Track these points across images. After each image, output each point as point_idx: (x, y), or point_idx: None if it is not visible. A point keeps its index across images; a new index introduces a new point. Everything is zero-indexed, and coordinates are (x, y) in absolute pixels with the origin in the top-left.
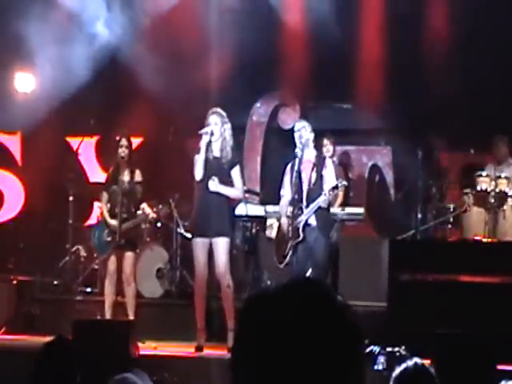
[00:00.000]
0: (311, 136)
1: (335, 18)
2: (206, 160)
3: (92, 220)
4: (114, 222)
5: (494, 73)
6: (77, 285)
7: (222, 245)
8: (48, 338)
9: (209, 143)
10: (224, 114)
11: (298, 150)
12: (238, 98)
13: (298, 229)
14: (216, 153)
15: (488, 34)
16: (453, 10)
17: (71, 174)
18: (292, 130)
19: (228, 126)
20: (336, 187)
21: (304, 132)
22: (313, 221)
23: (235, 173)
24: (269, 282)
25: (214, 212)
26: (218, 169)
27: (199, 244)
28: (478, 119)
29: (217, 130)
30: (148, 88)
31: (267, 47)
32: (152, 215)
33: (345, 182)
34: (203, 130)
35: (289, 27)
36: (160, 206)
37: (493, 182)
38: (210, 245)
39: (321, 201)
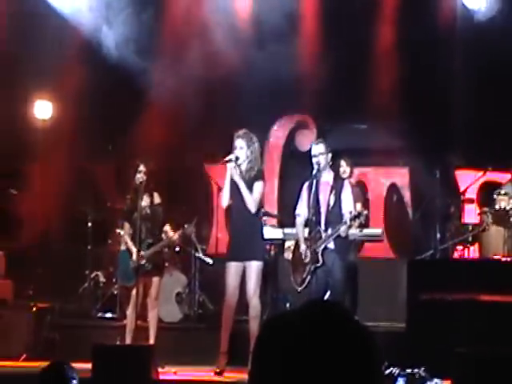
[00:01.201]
0: (329, 158)
1: (350, 38)
2: (232, 183)
3: (112, 246)
4: (138, 250)
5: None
6: (96, 310)
7: (254, 268)
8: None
9: (234, 168)
10: (251, 135)
11: (315, 172)
12: (255, 121)
13: (318, 253)
14: (242, 172)
15: (500, 50)
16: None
17: (90, 200)
18: (309, 152)
19: (255, 146)
20: (358, 216)
21: (321, 157)
22: (331, 244)
23: (257, 186)
24: (288, 305)
25: (247, 235)
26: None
27: (233, 268)
28: (495, 136)
29: (242, 154)
30: (166, 113)
31: (283, 70)
32: (175, 237)
33: (366, 212)
34: (227, 158)
35: (304, 49)
36: (186, 226)
37: (511, 201)
38: (243, 268)
39: (341, 230)
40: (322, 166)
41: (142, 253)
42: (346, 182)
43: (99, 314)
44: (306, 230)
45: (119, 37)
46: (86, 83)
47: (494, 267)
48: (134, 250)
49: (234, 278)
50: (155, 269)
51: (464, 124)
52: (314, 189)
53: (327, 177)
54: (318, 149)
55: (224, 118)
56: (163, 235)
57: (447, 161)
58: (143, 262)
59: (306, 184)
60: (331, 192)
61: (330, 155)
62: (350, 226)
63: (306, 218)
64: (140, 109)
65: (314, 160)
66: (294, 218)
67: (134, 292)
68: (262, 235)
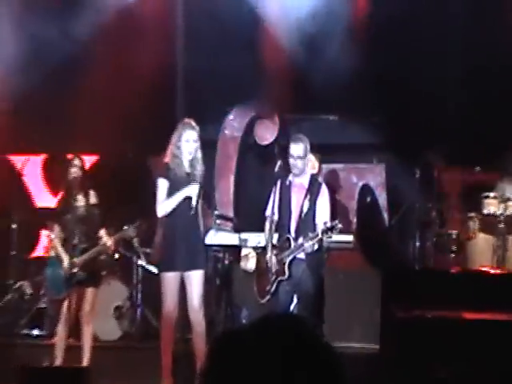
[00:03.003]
0: (307, 161)
1: (320, 17)
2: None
3: (39, 252)
4: (73, 255)
5: (501, 79)
6: (21, 326)
7: (196, 278)
8: None
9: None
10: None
11: (284, 169)
12: (208, 109)
13: (284, 264)
14: (187, 169)
15: (488, 38)
16: (449, 18)
17: (14, 197)
18: (271, 146)
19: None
20: (331, 229)
21: (299, 162)
22: (301, 254)
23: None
24: (244, 321)
25: (186, 241)
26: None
27: (170, 279)
28: (484, 132)
29: (196, 148)
30: (104, 97)
31: (241, 50)
32: (109, 243)
33: (341, 226)
34: (188, 150)
35: (267, 28)
36: (124, 228)
37: (502, 205)
38: (182, 279)
39: (309, 245)
40: (299, 170)
41: (75, 259)
42: (324, 187)
43: (25, 331)
44: (275, 236)
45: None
46: (13, 69)
47: (481, 280)
48: (64, 256)
49: (172, 292)
50: (90, 278)
51: (448, 117)
52: (285, 190)
53: (303, 178)
54: (297, 150)
55: (171, 106)
56: (99, 240)
57: (429, 158)
58: (75, 270)
59: (279, 183)
60: (306, 196)
61: (308, 157)
62: (320, 240)
63: (276, 222)
64: (74, 95)
65: (291, 162)
66: (254, 222)
67: (65, 305)
68: (204, 239)
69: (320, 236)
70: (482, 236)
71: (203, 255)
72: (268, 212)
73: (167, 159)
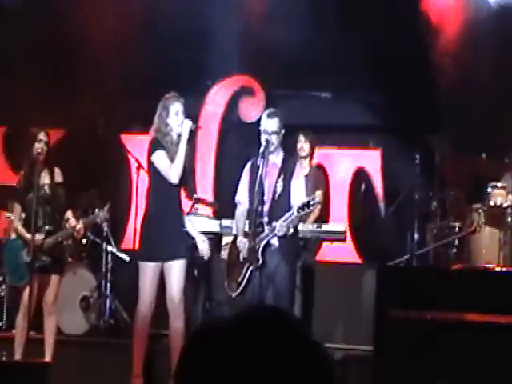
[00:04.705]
0: (281, 137)
1: None
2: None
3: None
4: (37, 237)
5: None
6: None
7: (178, 269)
8: None
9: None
10: None
11: (262, 150)
12: (187, 83)
13: (258, 250)
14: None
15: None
16: None
17: None
18: (255, 124)
19: None
20: (307, 205)
21: (274, 137)
22: (275, 241)
23: None
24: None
25: (171, 229)
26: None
27: (150, 269)
28: (493, 116)
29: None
30: (72, 66)
31: (223, 18)
32: (79, 226)
33: (318, 199)
34: (177, 123)
35: None
36: (96, 211)
37: (510, 196)
38: (161, 269)
39: (281, 226)
40: (273, 147)
41: (39, 242)
42: (298, 166)
43: None
44: (247, 223)
45: None
46: None
47: (486, 279)
48: (27, 236)
49: (150, 284)
50: (54, 265)
51: (454, 98)
52: (259, 171)
53: (275, 157)
54: (271, 125)
55: (148, 79)
56: (65, 223)
57: (430, 143)
58: (40, 254)
59: (249, 164)
60: (279, 176)
61: (282, 132)
62: (297, 222)
63: (247, 208)
64: (39, 59)
65: (264, 137)
66: (234, 206)
67: (25, 293)
68: (184, 224)
69: (296, 214)
70: (487, 230)
71: (185, 244)
72: (238, 197)
73: (154, 135)
